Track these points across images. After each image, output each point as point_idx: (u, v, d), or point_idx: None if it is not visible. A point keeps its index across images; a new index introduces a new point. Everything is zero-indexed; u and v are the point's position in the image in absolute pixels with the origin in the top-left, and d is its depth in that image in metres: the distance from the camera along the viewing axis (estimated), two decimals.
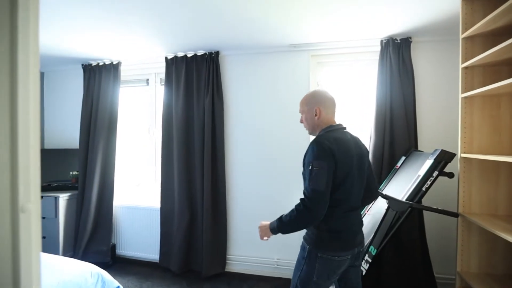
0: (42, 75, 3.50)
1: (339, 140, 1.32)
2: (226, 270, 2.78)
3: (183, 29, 2.36)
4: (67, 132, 3.37)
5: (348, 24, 2.22)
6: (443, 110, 2.40)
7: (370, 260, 1.74)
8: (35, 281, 0.49)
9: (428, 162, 1.75)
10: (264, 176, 2.79)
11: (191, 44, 2.69)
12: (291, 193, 2.72)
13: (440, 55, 2.42)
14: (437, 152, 1.72)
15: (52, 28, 2.29)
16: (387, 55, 2.42)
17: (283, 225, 1.31)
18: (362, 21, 2.17)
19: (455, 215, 1.73)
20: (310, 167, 1.25)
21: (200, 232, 2.77)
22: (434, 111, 2.43)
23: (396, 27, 2.26)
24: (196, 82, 2.82)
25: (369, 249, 1.76)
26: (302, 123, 1.50)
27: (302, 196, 1.27)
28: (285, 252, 2.74)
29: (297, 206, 1.27)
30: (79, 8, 1.97)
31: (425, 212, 2.32)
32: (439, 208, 1.73)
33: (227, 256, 2.82)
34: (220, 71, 2.81)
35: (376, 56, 2.48)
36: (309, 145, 1.31)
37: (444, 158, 1.71)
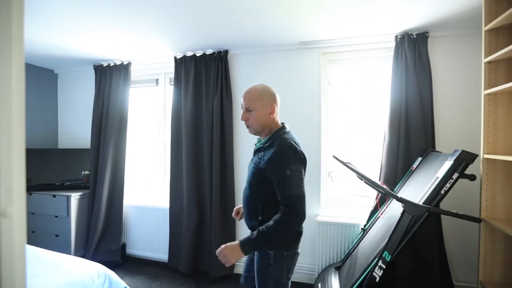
0: (55, 76, 3.57)
1: (298, 142, 1.34)
2: (234, 272, 2.74)
3: (192, 28, 2.33)
4: (80, 132, 3.42)
5: (361, 19, 2.13)
6: (463, 108, 2.27)
7: (384, 267, 1.65)
8: None
9: (448, 164, 1.64)
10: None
11: (200, 43, 2.67)
12: None
13: (460, 50, 2.29)
14: (457, 153, 1.62)
15: (63, 29, 2.31)
16: (402, 51, 2.31)
17: (264, 240, 1.19)
18: (375, 16, 2.07)
19: (477, 220, 1.62)
20: (288, 172, 1.19)
21: (209, 233, 2.74)
22: (453, 110, 2.30)
23: (412, 21, 2.15)
24: (205, 81, 2.80)
25: (383, 255, 1.67)
26: (245, 120, 1.38)
27: (285, 209, 1.18)
28: None
29: (280, 217, 1.17)
30: (89, 8, 1.97)
31: (443, 216, 2.20)
32: (459, 213, 1.62)
33: None
34: (229, 70, 2.78)
35: (391, 53, 2.38)
36: (278, 148, 1.25)
37: (465, 159, 1.60)
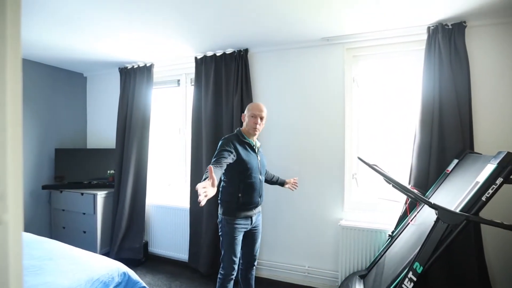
0: (84, 79, 3.74)
1: None
2: (257, 275, 2.68)
3: (212, 28, 2.31)
4: (106, 132, 3.55)
5: (389, 11, 1.99)
6: (507, 105, 2.04)
7: (414, 279, 1.51)
8: None
9: (490, 167, 1.47)
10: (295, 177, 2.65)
11: (220, 43, 2.65)
12: (322, 196, 2.54)
13: (503, 41, 2.05)
14: (502, 155, 1.44)
15: (89, 33, 2.40)
16: (435, 43, 2.13)
17: None
18: (405, 6, 1.92)
19: None
20: None
21: None
22: (495, 107, 2.07)
23: (447, 10, 1.97)
24: (225, 80, 2.77)
25: (414, 266, 1.53)
26: (260, 126, 1.94)
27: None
28: (316, 260, 2.56)
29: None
30: (111, 11, 2.02)
31: (483, 226, 1.99)
32: (504, 223, 1.44)
33: (259, 261, 2.72)
34: (249, 69, 2.73)
35: (422, 46, 2.20)
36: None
37: (511, 162, 1.42)
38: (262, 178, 1.98)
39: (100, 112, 3.66)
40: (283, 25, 2.25)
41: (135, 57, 3.06)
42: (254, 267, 2.12)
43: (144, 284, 1.75)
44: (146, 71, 3.14)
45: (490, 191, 1.44)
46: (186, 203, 2.98)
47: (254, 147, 1.95)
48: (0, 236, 0.41)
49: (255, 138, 1.99)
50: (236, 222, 1.88)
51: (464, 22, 2.07)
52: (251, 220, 1.94)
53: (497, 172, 1.42)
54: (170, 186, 3.29)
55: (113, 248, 3.01)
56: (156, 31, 2.36)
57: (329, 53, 2.52)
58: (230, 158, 1.73)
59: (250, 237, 2.01)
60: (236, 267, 1.96)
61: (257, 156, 1.95)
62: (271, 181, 2.23)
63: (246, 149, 1.89)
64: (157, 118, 3.34)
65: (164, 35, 2.45)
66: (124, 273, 1.69)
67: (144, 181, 3.08)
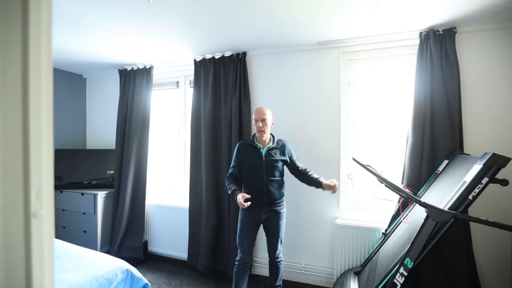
0: (84, 81, 3.77)
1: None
2: (252, 272, 2.75)
3: (211, 31, 2.37)
4: (106, 133, 3.60)
5: (383, 16, 2.06)
6: (495, 108, 2.13)
7: (405, 274, 1.59)
8: (48, 286, 0.49)
9: (476, 167, 1.55)
10: (292, 178, 2.72)
11: (218, 46, 2.71)
12: (318, 195, 2.61)
13: (492, 46, 2.14)
14: (487, 156, 1.52)
15: (88, 34, 2.44)
16: (427, 48, 2.21)
17: None
18: (398, 12, 2.00)
19: (510, 229, 1.51)
20: (296, 155, 2.25)
21: (227, 233, 2.77)
22: (484, 110, 2.16)
23: (438, 16, 2.05)
24: (224, 83, 2.84)
25: (405, 261, 1.61)
26: (264, 128, 2.10)
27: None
28: (313, 258, 2.64)
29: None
30: (113, 15, 2.07)
31: (473, 224, 2.08)
32: (490, 220, 1.52)
33: (253, 258, 2.79)
34: (247, 72, 2.80)
35: (414, 50, 2.28)
36: (286, 144, 2.21)
37: (496, 163, 1.50)
38: (270, 178, 2.07)
39: (100, 113, 3.70)
40: (281, 30, 2.32)
41: (135, 59, 3.11)
42: (277, 262, 2.20)
43: (146, 281, 1.81)
44: (145, 73, 3.19)
45: (477, 190, 1.52)
46: (185, 203, 3.03)
47: (261, 149, 2.11)
48: (37, 228, 0.48)
49: (265, 140, 2.14)
50: (243, 212, 2.13)
51: (455, 28, 2.16)
52: (261, 216, 2.10)
53: (483, 172, 1.51)
54: (169, 186, 3.34)
55: (113, 247, 3.06)
56: (157, 34, 2.42)
57: (325, 56, 2.60)
58: (236, 169, 2.19)
59: (266, 233, 2.20)
60: (243, 256, 2.16)
61: (263, 158, 2.09)
62: (309, 181, 2.15)
63: (251, 152, 2.13)
64: (157, 119, 3.39)
65: (165, 38, 2.51)
66: (127, 271, 1.74)
67: (144, 181, 3.13)
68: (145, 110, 3.17)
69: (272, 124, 2.17)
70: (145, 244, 3.18)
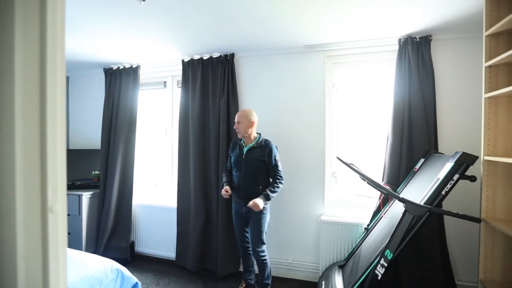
0: (67, 79, 3.68)
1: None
2: (240, 270, 2.80)
3: (200, 33, 2.41)
4: (90, 133, 3.53)
5: (365, 23, 2.19)
6: (465, 110, 2.31)
7: (386, 265, 1.70)
8: (62, 276, 0.53)
9: (448, 165, 1.69)
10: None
11: (207, 47, 2.74)
12: (304, 193, 2.71)
13: (462, 53, 2.32)
14: (458, 155, 1.66)
15: (76, 34, 2.40)
16: (405, 54, 2.35)
17: (272, 196, 2.21)
18: (379, 20, 2.12)
19: (477, 220, 1.66)
20: (278, 158, 2.31)
21: (215, 232, 2.81)
22: (456, 112, 2.34)
23: (415, 25, 2.20)
24: (212, 84, 2.87)
25: (385, 253, 1.73)
26: (239, 129, 2.29)
27: (278, 177, 2.27)
28: (299, 254, 2.73)
29: (279, 183, 2.25)
30: (101, 14, 2.06)
31: (445, 217, 2.24)
32: (459, 213, 1.66)
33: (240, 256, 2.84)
34: (235, 73, 2.85)
35: (394, 55, 2.42)
36: (271, 146, 2.29)
37: (465, 161, 1.64)
38: (247, 175, 2.26)
39: (83, 113, 3.62)
40: (269, 33, 2.39)
41: (122, 59, 3.08)
42: (260, 259, 2.27)
43: (136, 280, 1.82)
44: (132, 72, 3.17)
45: (449, 186, 1.66)
46: (172, 202, 3.04)
47: (243, 148, 2.32)
48: (53, 222, 0.51)
49: (249, 140, 2.32)
50: (232, 204, 2.43)
51: (430, 36, 2.31)
52: (242, 209, 2.30)
53: (454, 169, 1.64)
54: (156, 186, 3.33)
55: (99, 248, 3.02)
56: (146, 34, 2.42)
57: (311, 59, 2.70)
58: (228, 163, 2.48)
59: (249, 223, 2.35)
60: (237, 239, 2.44)
61: (243, 156, 2.29)
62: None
63: (237, 150, 2.37)
64: (144, 119, 3.37)
65: (153, 38, 2.52)
66: (118, 270, 1.75)
67: (131, 181, 3.11)
68: (132, 110, 3.15)
69: (252, 125, 2.29)
70: (132, 244, 3.15)
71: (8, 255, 0.47)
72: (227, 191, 2.26)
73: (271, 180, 2.31)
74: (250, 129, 2.29)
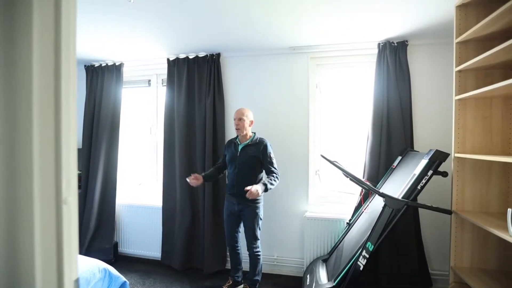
0: None
1: None
2: (226, 267, 2.84)
3: (186, 32, 2.42)
4: None
5: (346, 27, 2.30)
6: (438, 111, 2.49)
7: (367, 256, 1.81)
8: (74, 265, 0.55)
9: (423, 162, 1.82)
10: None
11: (192, 46, 2.75)
12: (289, 191, 2.79)
13: (436, 58, 2.50)
14: (432, 152, 1.80)
15: None
16: (384, 57, 2.50)
17: (269, 188, 2.20)
18: (360, 25, 2.24)
19: (449, 212, 1.81)
20: (272, 155, 2.33)
21: (201, 230, 2.83)
22: (429, 113, 2.51)
23: (393, 30, 2.34)
24: (198, 83, 2.88)
25: (367, 245, 1.83)
26: (239, 126, 2.33)
27: (275, 173, 2.28)
28: (284, 250, 2.81)
29: (276, 178, 2.26)
30: (87, 11, 2.02)
31: (420, 210, 2.40)
32: (433, 206, 1.81)
33: (227, 253, 2.88)
34: (221, 73, 2.87)
35: (374, 59, 2.56)
36: (264, 143, 2.33)
37: (438, 158, 1.78)
38: (240, 172, 2.30)
39: None
40: (255, 35, 2.45)
41: (104, 56, 3.01)
42: (254, 254, 2.34)
43: (124, 279, 1.81)
44: (115, 70, 3.10)
45: (424, 181, 1.79)
46: (157, 202, 3.02)
47: (238, 145, 2.37)
48: (66, 212, 0.53)
49: (245, 138, 2.36)
50: (224, 202, 2.46)
51: (406, 41, 2.47)
52: (235, 207, 2.32)
53: (428, 166, 1.78)
54: (140, 186, 3.28)
55: (80, 249, 2.93)
56: (131, 32, 2.39)
57: (295, 61, 2.78)
58: (221, 160, 2.53)
59: (243, 224, 2.38)
60: (227, 239, 2.45)
61: (238, 153, 2.33)
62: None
63: (232, 147, 2.40)
64: (128, 117, 3.31)
65: (138, 36, 2.49)
66: (105, 269, 1.73)
67: (114, 181, 3.04)
68: (115, 108, 3.08)
69: (251, 123, 2.37)
70: (116, 245, 3.09)
71: (27, 245, 0.49)
72: (196, 178, 2.31)
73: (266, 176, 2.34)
74: (249, 127, 2.37)
